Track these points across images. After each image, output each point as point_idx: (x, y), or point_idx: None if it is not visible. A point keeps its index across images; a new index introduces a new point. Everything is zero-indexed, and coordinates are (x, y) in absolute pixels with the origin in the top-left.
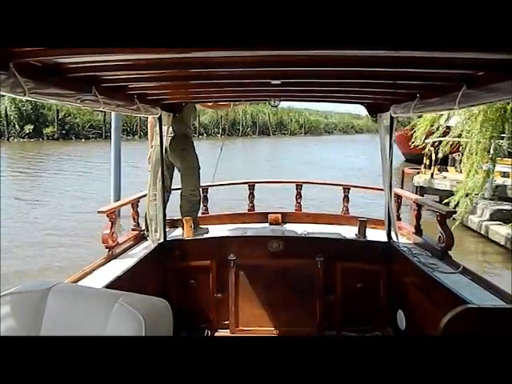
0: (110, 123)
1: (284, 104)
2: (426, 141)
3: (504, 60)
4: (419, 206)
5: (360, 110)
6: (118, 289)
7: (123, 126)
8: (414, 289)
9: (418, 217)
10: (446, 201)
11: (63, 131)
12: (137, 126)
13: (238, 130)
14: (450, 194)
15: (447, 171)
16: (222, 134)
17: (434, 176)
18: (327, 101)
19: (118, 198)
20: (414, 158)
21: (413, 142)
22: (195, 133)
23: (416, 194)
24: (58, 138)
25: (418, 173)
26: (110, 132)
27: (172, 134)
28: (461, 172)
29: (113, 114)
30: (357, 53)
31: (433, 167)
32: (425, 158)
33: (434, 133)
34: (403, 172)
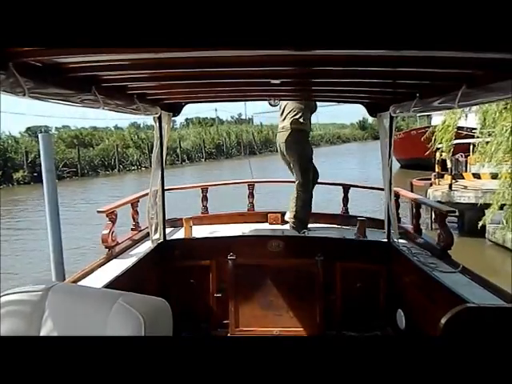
0: (78, 159)
1: (268, 121)
2: (439, 146)
3: (504, 59)
4: (419, 206)
5: (344, 119)
6: (118, 288)
7: (101, 161)
8: (414, 288)
9: (418, 217)
10: (481, 223)
11: (35, 174)
12: (115, 159)
13: (223, 151)
14: (473, 207)
15: (462, 178)
16: (205, 158)
17: (453, 187)
18: (327, 100)
19: (59, 260)
20: (410, 164)
21: (437, 148)
22: (178, 159)
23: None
24: (29, 182)
25: (431, 184)
26: (42, 173)
27: (288, 129)
28: (479, 178)
29: (41, 152)
30: (356, 52)
31: (449, 176)
32: (436, 165)
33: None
34: (412, 185)
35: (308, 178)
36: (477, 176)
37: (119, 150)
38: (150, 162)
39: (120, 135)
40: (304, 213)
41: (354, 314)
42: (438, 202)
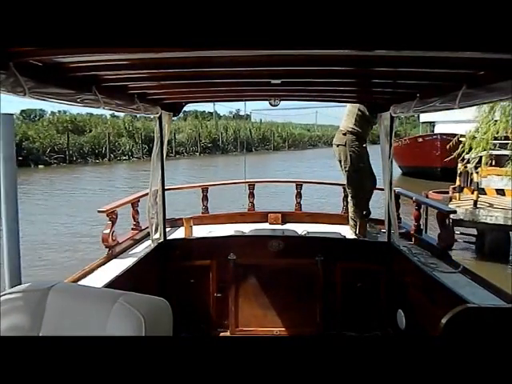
0: (67, 145)
1: (266, 118)
2: (466, 156)
3: (504, 60)
4: (419, 206)
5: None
6: (118, 288)
7: (91, 148)
8: (414, 288)
9: (418, 217)
10: None
11: (19, 158)
12: (106, 148)
13: (219, 146)
14: (498, 227)
15: (484, 193)
16: (200, 152)
17: (478, 204)
18: (327, 100)
19: (16, 263)
20: (413, 172)
21: (462, 158)
22: (172, 152)
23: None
24: None
25: (451, 199)
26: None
27: (353, 132)
28: (503, 194)
29: (1, 139)
30: (357, 52)
31: (475, 192)
32: (458, 178)
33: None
34: (427, 197)
35: (351, 181)
36: (501, 192)
37: (111, 138)
38: (143, 152)
39: (115, 123)
40: (360, 214)
41: (354, 314)
42: (460, 219)
